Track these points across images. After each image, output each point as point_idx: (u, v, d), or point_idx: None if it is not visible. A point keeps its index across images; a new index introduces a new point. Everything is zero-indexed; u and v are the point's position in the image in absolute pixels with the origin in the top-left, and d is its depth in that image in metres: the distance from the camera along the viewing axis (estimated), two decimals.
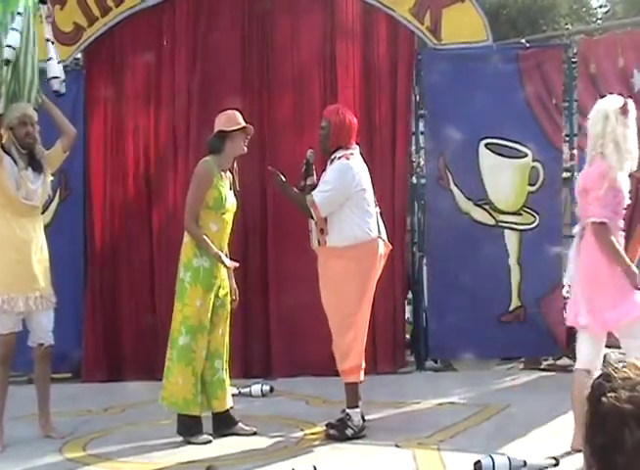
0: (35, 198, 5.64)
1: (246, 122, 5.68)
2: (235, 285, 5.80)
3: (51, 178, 5.81)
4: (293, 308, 7.44)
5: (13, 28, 5.57)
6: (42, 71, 5.91)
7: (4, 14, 5.69)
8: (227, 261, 5.57)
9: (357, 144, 5.69)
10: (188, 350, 5.47)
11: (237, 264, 5.76)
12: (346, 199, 5.46)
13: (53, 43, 5.96)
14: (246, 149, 5.70)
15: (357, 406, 5.50)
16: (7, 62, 5.54)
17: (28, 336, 5.67)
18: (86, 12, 7.59)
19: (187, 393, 5.47)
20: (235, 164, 5.76)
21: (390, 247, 5.77)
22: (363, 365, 5.58)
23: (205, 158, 5.67)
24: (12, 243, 5.54)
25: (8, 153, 5.57)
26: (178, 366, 5.48)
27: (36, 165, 5.65)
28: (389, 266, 6.45)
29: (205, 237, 5.49)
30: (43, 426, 5.71)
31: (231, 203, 5.66)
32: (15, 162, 5.57)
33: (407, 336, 8.64)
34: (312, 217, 5.51)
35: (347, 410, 5.50)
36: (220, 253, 5.52)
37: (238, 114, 5.68)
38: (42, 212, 5.95)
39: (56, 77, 5.89)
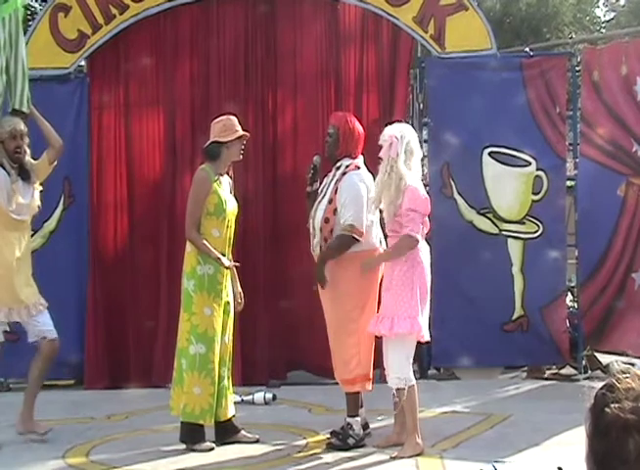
0: (24, 212, 5.65)
1: (242, 126, 5.66)
2: (240, 288, 5.79)
3: (40, 189, 5.80)
4: (295, 315, 7.43)
5: None
6: (30, 79, 5.92)
7: None
8: (226, 262, 5.51)
9: (362, 154, 5.67)
10: (205, 360, 5.42)
11: (237, 264, 5.74)
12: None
13: None
14: (241, 156, 5.69)
15: (357, 415, 5.48)
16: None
17: (27, 335, 5.66)
18: (90, 19, 7.60)
19: (204, 403, 5.42)
20: (231, 171, 5.75)
21: None
22: (370, 375, 5.52)
23: (202, 165, 5.67)
24: None
25: (1, 165, 5.59)
26: (192, 376, 5.42)
27: (26, 176, 5.65)
28: None
29: (205, 242, 5.46)
30: (25, 421, 5.63)
31: (232, 206, 5.63)
32: (7, 173, 5.58)
33: None
34: (358, 240, 5.39)
35: (348, 419, 5.47)
36: (220, 255, 5.49)
37: (234, 120, 5.63)
38: (46, 220, 5.95)
39: None
